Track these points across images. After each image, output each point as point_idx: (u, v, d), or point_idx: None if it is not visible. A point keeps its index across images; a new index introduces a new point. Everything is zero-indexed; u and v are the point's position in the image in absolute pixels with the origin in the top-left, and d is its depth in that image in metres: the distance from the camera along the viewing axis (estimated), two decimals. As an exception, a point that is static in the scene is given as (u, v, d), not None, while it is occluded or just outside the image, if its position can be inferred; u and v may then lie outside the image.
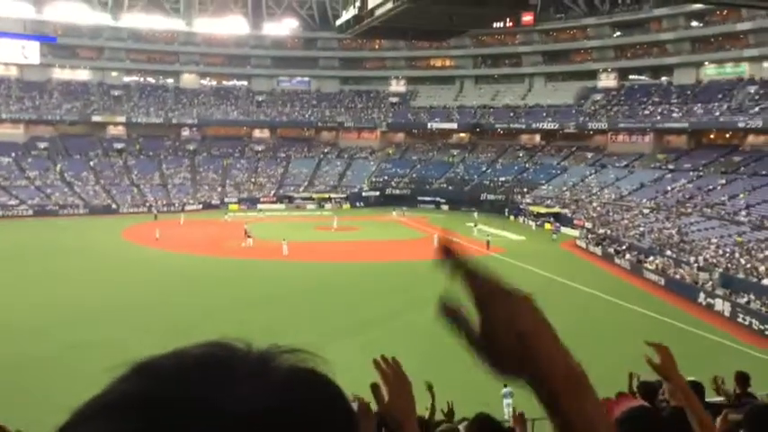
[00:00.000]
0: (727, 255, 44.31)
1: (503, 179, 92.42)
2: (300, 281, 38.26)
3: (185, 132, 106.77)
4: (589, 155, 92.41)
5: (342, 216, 74.98)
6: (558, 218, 73.18)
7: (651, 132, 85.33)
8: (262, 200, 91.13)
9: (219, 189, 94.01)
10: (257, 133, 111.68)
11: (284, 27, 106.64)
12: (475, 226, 66.08)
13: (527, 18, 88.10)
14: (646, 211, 66.38)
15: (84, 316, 29.21)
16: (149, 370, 0.79)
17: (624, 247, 51.96)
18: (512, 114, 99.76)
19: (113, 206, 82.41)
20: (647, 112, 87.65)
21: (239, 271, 41.77)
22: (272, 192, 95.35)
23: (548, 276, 41.20)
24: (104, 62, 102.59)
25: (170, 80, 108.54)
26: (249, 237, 55.56)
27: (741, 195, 61.19)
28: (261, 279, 39.01)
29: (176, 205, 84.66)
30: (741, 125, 74.88)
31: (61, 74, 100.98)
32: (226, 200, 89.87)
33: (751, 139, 76.96)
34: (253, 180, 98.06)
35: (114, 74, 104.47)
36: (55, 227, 63.59)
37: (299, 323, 27.43)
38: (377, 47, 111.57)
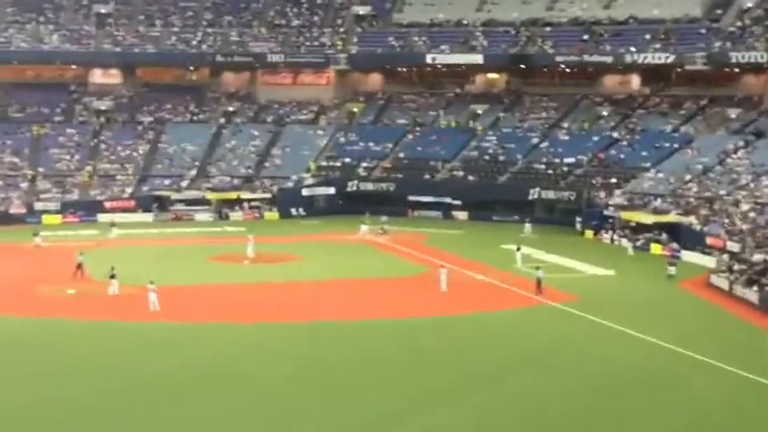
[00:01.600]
0: None
1: (570, 160, 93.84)
2: (179, 366, 37.66)
3: None
4: (733, 113, 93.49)
5: (264, 235, 74.85)
6: (674, 234, 73.80)
7: None
8: (108, 205, 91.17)
9: (25, 184, 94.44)
10: (98, 76, 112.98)
11: None
12: (517, 250, 65.81)
13: None
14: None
15: None
16: None
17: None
18: (585, 37, 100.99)
19: None
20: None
21: (66, 345, 40.62)
22: (129, 189, 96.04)
23: (667, 349, 40.72)
24: None
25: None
26: (82, 273, 56.33)
27: None
28: (104, 362, 38.03)
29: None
30: None
31: None
32: (37, 205, 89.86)
33: None
34: (90, 166, 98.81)
35: None
36: None
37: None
38: None
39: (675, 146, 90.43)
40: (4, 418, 30.27)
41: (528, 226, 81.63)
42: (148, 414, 30.80)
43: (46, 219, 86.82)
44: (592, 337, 43.50)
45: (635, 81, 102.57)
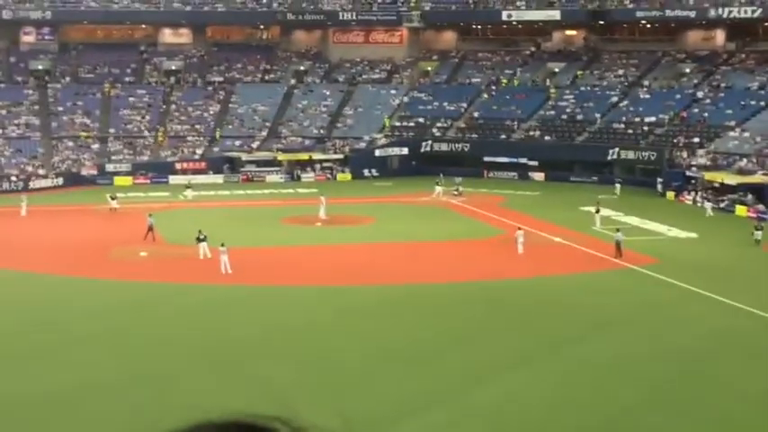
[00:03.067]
0: None
1: (652, 120, 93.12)
2: (254, 330, 37.53)
3: (28, 36, 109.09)
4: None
5: (337, 196, 75.04)
6: (760, 194, 73.05)
7: None
8: (179, 167, 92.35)
9: (96, 146, 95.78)
10: (167, 36, 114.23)
11: None
12: (596, 212, 65.21)
13: None
14: None
15: None
16: None
17: None
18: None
19: None
20: None
21: (136, 309, 40.97)
22: (199, 150, 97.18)
23: (754, 314, 40.13)
24: None
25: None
26: (153, 236, 57.06)
27: None
28: (177, 327, 38.55)
29: (10, 180, 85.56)
30: None
31: None
32: (108, 167, 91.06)
33: None
34: (160, 128, 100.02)
35: None
36: None
37: None
38: None
39: (762, 104, 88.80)
40: (86, 382, 30.73)
41: (618, 186, 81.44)
42: (225, 379, 31.16)
43: (117, 180, 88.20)
44: (674, 300, 43.20)
45: (719, 36, 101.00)
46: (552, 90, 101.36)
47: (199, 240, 52.11)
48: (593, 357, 33.37)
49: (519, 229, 55.50)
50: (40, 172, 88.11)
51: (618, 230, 55.26)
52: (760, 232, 59.06)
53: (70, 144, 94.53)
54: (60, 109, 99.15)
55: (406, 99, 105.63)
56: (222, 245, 48.97)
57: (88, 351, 34.11)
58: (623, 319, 39.32)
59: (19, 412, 27.64)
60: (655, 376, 31.25)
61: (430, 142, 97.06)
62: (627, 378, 30.97)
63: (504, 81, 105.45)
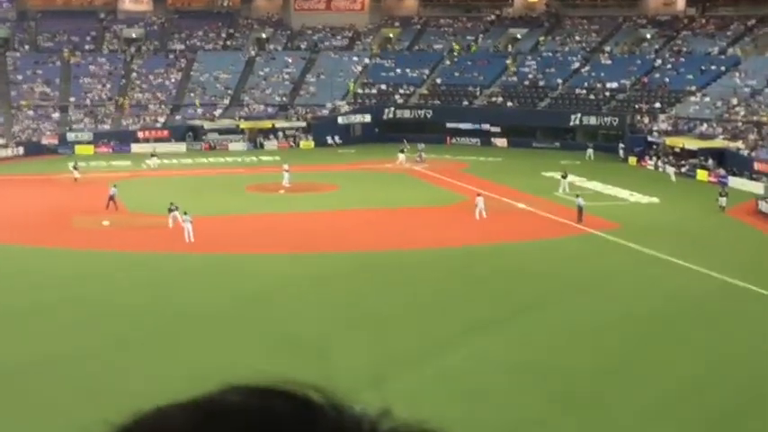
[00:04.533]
0: None
1: (613, 85, 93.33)
2: (217, 298, 37.54)
3: None
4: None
5: (300, 164, 74.77)
6: (721, 159, 73.32)
7: None
8: (140, 135, 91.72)
9: (56, 115, 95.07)
10: (128, 3, 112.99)
11: None
12: (564, 177, 65.43)
13: None
14: None
15: None
16: None
17: None
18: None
19: None
20: None
21: (97, 279, 40.98)
22: (161, 119, 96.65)
23: (715, 278, 40.42)
24: None
25: None
26: (116, 205, 56.75)
27: None
28: (138, 296, 38.40)
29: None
30: None
31: None
32: (70, 136, 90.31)
33: None
34: (121, 96, 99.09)
35: None
36: None
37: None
38: None
39: (722, 68, 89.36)
40: (51, 353, 30.54)
41: (590, 151, 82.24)
42: (181, 346, 31.03)
43: (78, 149, 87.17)
44: (635, 265, 43.32)
45: (680, 2, 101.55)
46: (509, 61, 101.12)
47: (170, 210, 51.85)
48: (554, 323, 33.39)
49: (478, 195, 55.46)
50: (0, 141, 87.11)
51: (578, 196, 55.46)
52: (725, 198, 58.78)
53: (30, 113, 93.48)
54: (20, 78, 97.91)
55: (368, 66, 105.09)
56: (185, 213, 48.86)
57: (46, 321, 33.79)
58: (585, 285, 39.34)
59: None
60: (615, 341, 31.34)
61: (393, 109, 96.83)
62: (588, 343, 31.01)
63: (458, 48, 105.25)
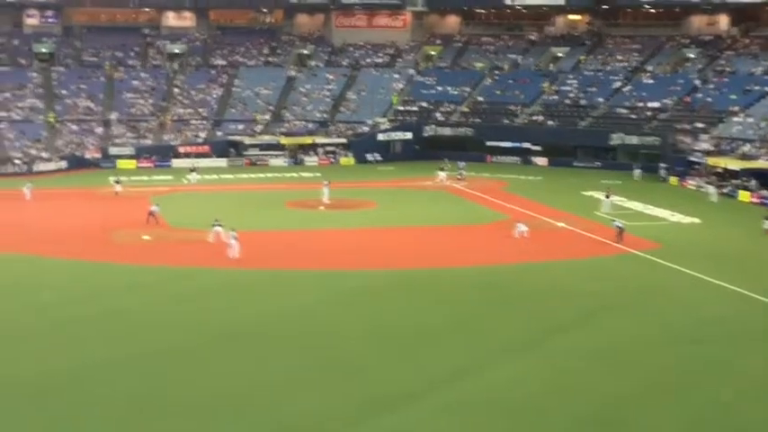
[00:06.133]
0: None
1: (655, 105, 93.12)
2: (257, 313, 37.57)
3: (32, 19, 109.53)
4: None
5: (340, 180, 74.97)
6: (764, 180, 72.70)
7: None
8: (181, 150, 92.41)
9: (100, 129, 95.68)
10: (171, 19, 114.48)
11: None
12: (607, 197, 65.20)
13: None
14: None
15: None
16: None
17: None
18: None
19: None
20: None
21: (137, 292, 41.03)
22: (202, 134, 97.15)
23: (757, 301, 39.98)
24: None
25: None
26: (156, 220, 56.83)
27: None
28: (178, 309, 38.44)
29: (15, 164, 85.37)
30: None
31: None
32: (112, 151, 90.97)
33: None
34: (162, 110, 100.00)
35: None
36: None
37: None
38: None
39: (766, 89, 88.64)
40: (87, 365, 30.72)
41: (638, 171, 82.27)
42: (223, 362, 31.11)
43: (120, 163, 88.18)
44: (676, 286, 43.07)
45: (723, 21, 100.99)
46: (545, 84, 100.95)
47: (213, 226, 52.13)
48: (593, 343, 33.29)
49: (518, 222, 55.02)
50: (44, 155, 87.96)
51: (614, 220, 55.44)
52: None
53: (74, 127, 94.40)
54: (64, 92, 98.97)
55: (409, 84, 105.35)
56: (233, 230, 48.91)
57: (85, 333, 34.16)
58: (624, 304, 39.18)
59: (18, 392, 27.68)
60: (654, 362, 31.11)
61: (433, 127, 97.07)
62: (626, 364, 30.80)
63: (508, 66, 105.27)
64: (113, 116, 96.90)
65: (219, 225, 51.47)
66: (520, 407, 26.70)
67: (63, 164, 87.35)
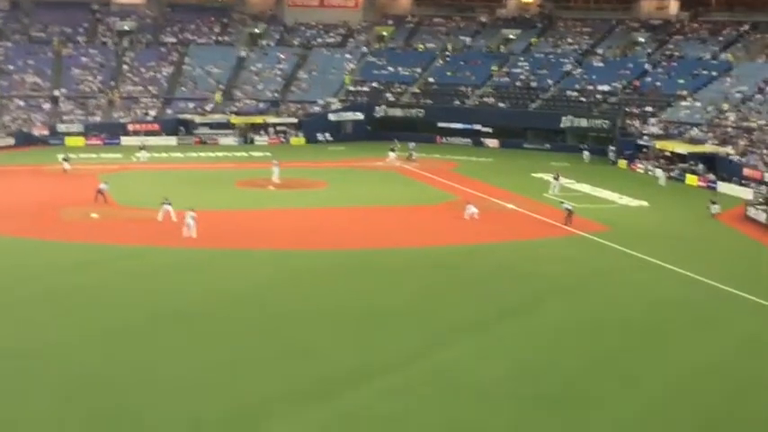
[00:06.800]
0: None
1: (605, 88, 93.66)
2: (202, 294, 37.65)
3: None
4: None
5: (290, 160, 74.68)
6: (711, 164, 73.43)
7: None
8: (131, 128, 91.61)
9: (47, 105, 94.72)
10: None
11: None
12: (556, 179, 65.61)
13: None
14: None
15: None
16: None
17: None
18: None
19: None
20: None
21: (84, 271, 40.77)
22: (152, 112, 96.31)
23: (702, 282, 40.60)
24: None
25: None
26: (105, 198, 56.23)
27: None
28: (124, 289, 38.05)
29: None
30: None
31: None
32: (60, 128, 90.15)
33: None
34: (112, 88, 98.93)
35: None
36: None
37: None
38: None
39: (714, 73, 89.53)
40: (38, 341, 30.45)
41: (586, 153, 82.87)
42: (173, 342, 30.92)
43: (69, 141, 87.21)
44: (623, 268, 43.31)
45: (673, 6, 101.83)
46: (494, 67, 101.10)
47: (162, 204, 51.64)
48: (542, 324, 33.43)
49: (468, 203, 55.10)
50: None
51: (562, 202, 55.64)
52: (717, 206, 58.37)
53: (21, 104, 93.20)
54: (11, 68, 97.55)
55: (360, 64, 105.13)
56: (192, 209, 48.28)
57: (33, 312, 33.76)
58: (573, 286, 39.32)
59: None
60: (602, 344, 31.30)
61: (384, 107, 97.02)
62: (575, 346, 30.95)
63: (459, 47, 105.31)
64: (62, 92, 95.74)
65: (169, 203, 51.11)
66: (469, 388, 26.68)
67: (10, 140, 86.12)
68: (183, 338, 31.06)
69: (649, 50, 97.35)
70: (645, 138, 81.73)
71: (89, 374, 27.17)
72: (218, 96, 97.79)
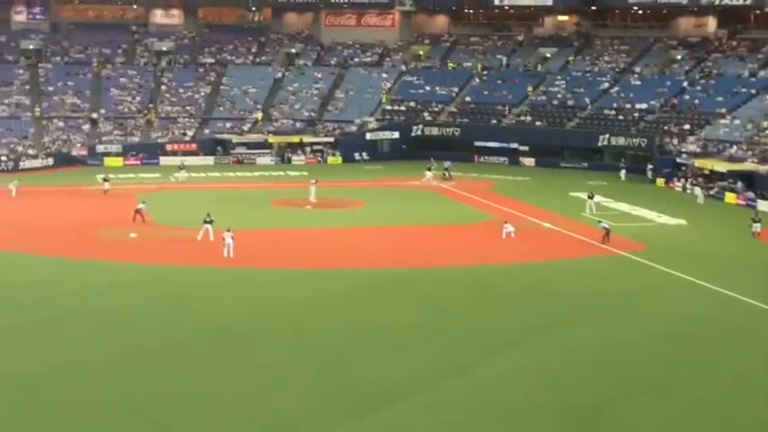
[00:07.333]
0: None
1: (642, 106, 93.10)
2: (243, 312, 37.48)
3: (19, 15, 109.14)
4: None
5: (327, 179, 74.71)
6: (750, 182, 72.92)
7: None
8: (170, 148, 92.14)
9: (86, 126, 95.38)
10: (159, 17, 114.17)
11: None
12: (590, 198, 65.28)
13: None
14: None
15: None
16: None
17: None
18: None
19: None
20: None
21: (125, 293, 40.83)
22: (190, 132, 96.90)
23: (741, 301, 40.27)
24: None
25: None
26: (143, 218, 56.52)
27: None
28: (166, 307, 38.25)
29: (1, 161, 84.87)
30: None
31: None
32: (99, 148, 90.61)
33: None
34: (150, 109, 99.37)
35: None
36: None
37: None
38: None
39: (753, 91, 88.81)
40: (74, 363, 30.59)
41: (623, 171, 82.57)
42: (209, 360, 31.03)
43: (107, 161, 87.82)
44: (659, 286, 43.22)
45: (711, 23, 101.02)
46: (529, 88, 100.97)
47: (205, 222, 51.97)
48: (578, 342, 33.41)
49: (506, 222, 54.95)
50: (31, 152, 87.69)
51: (600, 221, 55.32)
52: (759, 225, 57.36)
53: (60, 124, 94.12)
54: (51, 89, 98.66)
55: (397, 83, 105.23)
56: (228, 230, 48.59)
57: (72, 330, 33.97)
58: (609, 304, 39.29)
59: (7, 391, 27.61)
60: (640, 361, 31.21)
61: (421, 126, 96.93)
62: (610, 363, 30.91)
63: (495, 66, 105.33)
64: (100, 113, 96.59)
65: (210, 222, 51.36)
66: (504, 406, 26.74)
67: (50, 161, 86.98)
68: (219, 357, 31.25)
69: (687, 68, 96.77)
70: (683, 156, 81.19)
71: (125, 394, 27.42)
72: (259, 115, 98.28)
